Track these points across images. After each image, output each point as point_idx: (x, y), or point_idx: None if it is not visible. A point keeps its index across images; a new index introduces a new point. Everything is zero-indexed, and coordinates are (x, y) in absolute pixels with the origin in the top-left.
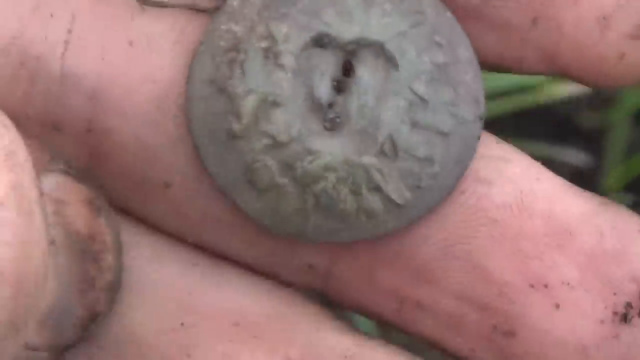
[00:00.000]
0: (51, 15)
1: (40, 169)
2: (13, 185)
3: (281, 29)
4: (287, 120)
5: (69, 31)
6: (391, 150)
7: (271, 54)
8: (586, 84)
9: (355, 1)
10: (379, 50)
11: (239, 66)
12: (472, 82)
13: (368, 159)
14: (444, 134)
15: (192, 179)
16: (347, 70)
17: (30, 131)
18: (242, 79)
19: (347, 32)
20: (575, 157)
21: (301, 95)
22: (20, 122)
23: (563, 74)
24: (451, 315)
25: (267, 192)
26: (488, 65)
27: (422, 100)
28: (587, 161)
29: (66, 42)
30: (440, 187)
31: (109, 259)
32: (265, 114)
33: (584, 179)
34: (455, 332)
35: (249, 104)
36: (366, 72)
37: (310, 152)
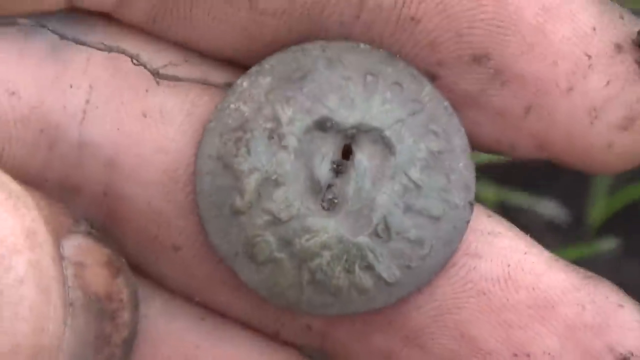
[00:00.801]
0: (70, 86)
1: (62, 232)
2: (32, 264)
3: (286, 112)
4: (288, 199)
5: (87, 101)
6: (384, 231)
7: (276, 135)
8: (576, 169)
9: (358, 88)
10: (378, 136)
11: (245, 145)
12: (464, 169)
13: (362, 239)
14: (435, 218)
15: (199, 244)
16: (347, 153)
17: (49, 193)
18: (247, 157)
19: (348, 117)
20: (554, 209)
21: (302, 176)
22: (40, 185)
23: (554, 160)
24: None
25: (265, 265)
26: (483, 149)
27: (416, 185)
28: (567, 213)
29: (84, 112)
30: (429, 267)
31: (125, 316)
32: (268, 192)
33: (560, 228)
34: None
35: (252, 182)
36: (364, 157)
37: (308, 230)
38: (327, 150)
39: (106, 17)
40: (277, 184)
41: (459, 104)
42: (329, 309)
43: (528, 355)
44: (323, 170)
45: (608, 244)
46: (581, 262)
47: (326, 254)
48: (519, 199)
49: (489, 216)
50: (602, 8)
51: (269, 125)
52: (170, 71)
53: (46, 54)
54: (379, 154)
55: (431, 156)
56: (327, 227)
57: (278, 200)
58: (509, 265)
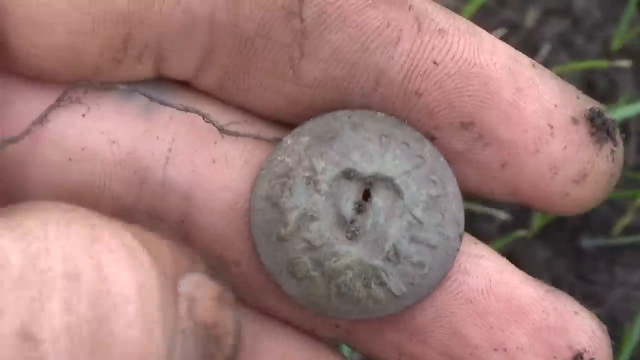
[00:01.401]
0: (157, 138)
1: (181, 271)
2: (140, 312)
3: (320, 164)
4: (321, 230)
5: (170, 150)
6: (394, 256)
7: (312, 182)
8: (543, 212)
9: (375, 147)
10: (390, 184)
11: (289, 188)
12: (456, 210)
13: (377, 262)
14: (433, 247)
15: (254, 262)
16: (366, 196)
17: (140, 221)
18: (290, 198)
19: (368, 169)
20: (505, 215)
21: (331, 213)
22: (133, 214)
23: (525, 205)
24: None
25: (303, 281)
26: (469, 193)
27: (419, 222)
28: (513, 216)
29: (167, 158)
30: (428, 284)
31: (229, 339)
32: (305, 225)
33: (512, 227)
34: None
35: (293, 217)
36: (380, 199)
37: (336, 254)
38: (351, 194)
39: (186, 86)
40: (312, 219)
41: (452, 159)
42: (351, 315)
43: (505, 350)
44: (348, 209)
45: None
46: (518, 256)
47: (349, 273)
48: (478, 208)
49: (476, 243)
50: (562, 89)
51: (307, 174)
52: (232, 128)
53: (139, 112)
54: (391, 197)
55: (431, 199)
56: (351, 253)
57: (313, 231)
58: (490, 281)
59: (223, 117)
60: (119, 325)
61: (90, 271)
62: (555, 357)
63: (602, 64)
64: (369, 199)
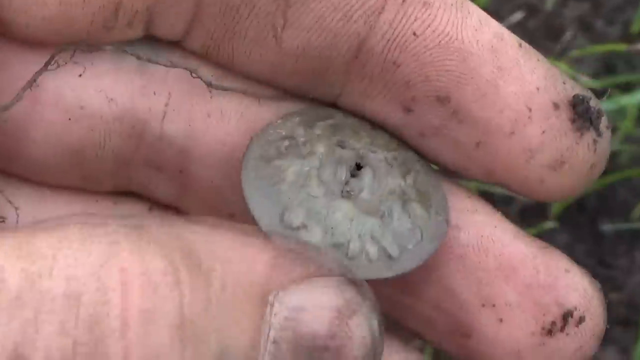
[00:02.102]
0: (154, 93)
1: (277, 281)
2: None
3: (315, 131)
4: (317, 185)
5: (166, 104)
6: (389, 217)
7: (308, 144)
8: (521, 195)
9: (365, 130)
10: (382, 156)
11: (284, 149)
12: (441, 190)
13: (372, 220)
14: (424, 218)
15: (248, 215)
16: (358, 167)
17: (140, 171)
18: (286, 157)
19: (357, 145)
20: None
21: (328, 172)
22: (133, 165)
23: (500, 186)
24: (427, 318)
25: (298, 231)
26: (445, 169)
27: (410, 192)
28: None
29: (164, 112)
30: (419, 253)
31: (352, 350)
32: (301, 178)
33: (531, 211)
34: (429, 329)
35: (290, 173)
36: (372, 168)
37: (332, 206)
38: (345, 160)
39: (176, 45)
40: (309, 175)
41: (426, 133)
42: (347, 273)
43: (493, 305)
44: (343, 171)
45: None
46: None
47: (346, 223)
48: (497, 190)
49: (469, 197)
50: (548, 72)
51: (302, 139)
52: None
53: (135, 69)
54: (383, 167)
55: (418, 177)
56: (347, 207)
57: (312, 184)
58: (481, 236)
59: (213, 72)
60: (115, 350)
61: (92, 292)
62: (544, 314)
63: (622, 47)
64: (361, 168)
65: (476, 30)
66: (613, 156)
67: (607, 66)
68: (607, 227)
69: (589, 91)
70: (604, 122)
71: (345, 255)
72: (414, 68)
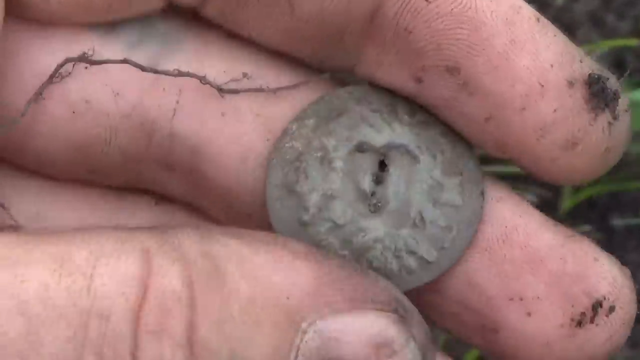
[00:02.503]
0: (163, 89)
1: (313, 309)
2: None
3: (331, 142)
4: (343, 208)
5: (177, 102)
6: (421, 222)
7: (325, 160)
8: (536, 176)
9: (382, 117)
10: (404, 150)
11: (303, 172)
12: (474, 167)
13: (405, 231)
14: (457, 207)
15: (265, 214)
16: (382, 167)
17: (150, 168)
18: (306, 180)
19: (379, 140)
20: (538, 192)
21: (350, 188)
22: (143, 162)
23: (515, 163)
24: (454, 314)
25: None
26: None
27: (439, 184)
28: (545, 195)
29: (174, 110)
30: (458, 246)
31: None
32: (326, 205)
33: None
34: (457, 325)
35: (313, 199)
36: (396, 168)
37: (362, 229)
38: (366, 167)
39: (195, 27)
40: (332, 197)
41: (437, 105)
42: None
43: (521, 299)
44: (366, 182)
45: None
46: None
47: (379, 246)
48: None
49: (493, 184)
50: (565, 49)
51: (319, 154)
52: (233, 85)
53: (145, 64)
54: (407, 164)
55: (446, 161)
56: (377, 225)
57: (335, 210)
58: (506, 227)
59: (227, 63)
60: None
61: (119, 312)
62: (572, 305)
63: (632, 42)
64: (385, 169)
65: (492, 0)
66: (624, 152)
67: (617, 61)
68: (617, 222)
69: (608, 71)
70: (621, 104)
71: (384, 276)
72: (425, 35)
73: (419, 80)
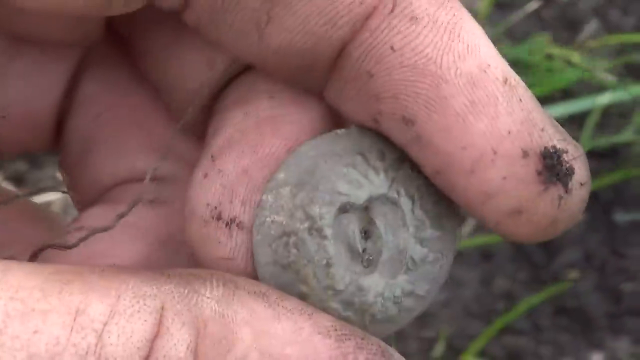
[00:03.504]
0: None
1: None
2: None
3: (315, 210)
4: (341, 273)
5: None
6: (413, 265)
7: (314, 231)
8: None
9: (357, 169)
10: (385, 198)
11: (294, 247)
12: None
13: (400, 277)
14: (440, 237)
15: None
16: (368, 221)
17: None
18: (299, 254)
19: (360, 195)
20: None
21: (343, 251)
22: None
23: None
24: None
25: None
26: None
27: (421, 222)
28: None
29: None
30: (446, 267)
31: None
32: (323, 274)
33: None
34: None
35: (310, 271)
36: (381, 218)
37: (361, 289)
38: (353, 226)
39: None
40: (328, 265)
41: (395, 144)
42: (388, 331)
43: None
44: (356, 241)
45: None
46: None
47: (379, 300)
48: None
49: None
50: (528, 117)
51: (306, 225)
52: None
53: None
54: (390, 211)
55: (423, 197)
56: (375, 280)
57: (334, 276)
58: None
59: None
60: None
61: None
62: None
63: (637, 37)
64: (371, 223)
65: (459, 57)
66: (627, 147)
67: (622, 56)
68: (620, 217)
69: (570, 144)
70: (576, 179)
71: (387, 322)
72: (385, 83)
73: (376, 122)
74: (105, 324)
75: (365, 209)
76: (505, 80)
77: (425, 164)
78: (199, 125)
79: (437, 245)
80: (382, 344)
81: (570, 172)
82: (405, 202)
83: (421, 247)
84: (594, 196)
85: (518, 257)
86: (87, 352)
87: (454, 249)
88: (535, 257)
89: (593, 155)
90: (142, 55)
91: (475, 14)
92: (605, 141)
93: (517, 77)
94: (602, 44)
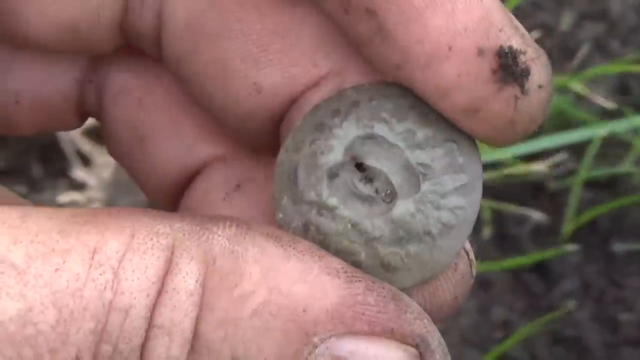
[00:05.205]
0: None
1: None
2: None
3: (311, 195)
4: (368, 224)
5: None
6: (425, 168)
7: (323, 210)
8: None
9: (321, 141)
10: (358, 140)
11: (317, 232)
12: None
13: (424, 187)
14: (437, 133)
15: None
16: (359, 167)
17: (130, 28)
18: (324, 238)
19: (334, 157)
20: (539, 215)
21: (359, 206)
22: (124, 25)
23: None
24: None
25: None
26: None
27: (407, 130)
28: (547, 218)
29: None
30: (465, 155)
31: None
32: (357, 235)
33: (543, 230)
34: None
35: (344, 242)
36: (368, 156)
37: (396, 220)
38: (349, 180)
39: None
40: (354, 225)
41: (360, 42)
42: (448, 256)
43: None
44: (362, 189)
45: (572, 248)
46: (553, 261)
47: (419, 217)
48: (511, 209)
49: None
50: (486, 16)
51: (313, 211)
52: None
53: None
54: (371, 144)
55: (393, 115)
56: (403, 205)
57: (366, 230)
58: None
59: None
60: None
61: (139, 308)
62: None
63: (637, 68)
64: (362, 166)
65: None
66: (625, 177)
67: (622, 87)
68: (618, 247)
69: (531, 47)
70: (533, 81)
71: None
72: None
73: (346, 12)
74: (120, 261)
75: (350, 160)
76: None
77: (386, 59)
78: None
79: (437, 138)
80: (394, 288)
81: (526, 72)
82: (379, 128)
83: (421, 150)
84: (591, 226)
85: (516, 286)
86: (105, 288)
87: (461, 135)
88: (533, 287)
89: (591, 185)
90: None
91: None
92: (604, 171)
93: None
94: (601, 72)
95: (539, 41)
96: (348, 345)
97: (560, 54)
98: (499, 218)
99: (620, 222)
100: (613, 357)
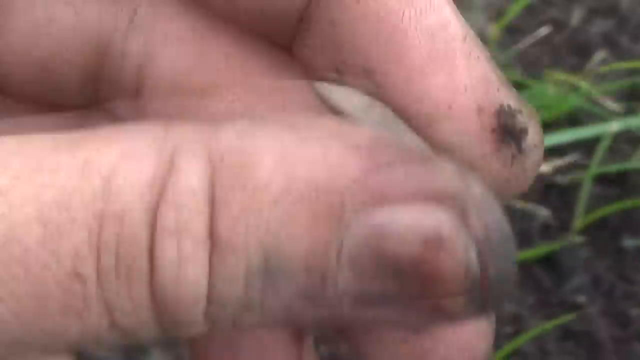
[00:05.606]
0: (121, 10)
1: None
2: None
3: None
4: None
5: (130, 22)
6: None
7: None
8: None
9: None
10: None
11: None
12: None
13: None
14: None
15: None
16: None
17: (105, 87)
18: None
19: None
20: (549, 211)
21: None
22: (99, 81)
23: None
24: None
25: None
26: None
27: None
28: (557, 214)
29: (127, 29)
30: None
31: None
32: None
33: (553, 226)
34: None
35: None
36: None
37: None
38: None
39: None
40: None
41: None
42: None
43: None
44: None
45: (580, 240)
46: (559, 256)
47: None
48: (520, 205)
49: None
50: (484, 74)
51: None
52: None
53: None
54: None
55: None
56: None
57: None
58: None
59: None
60: (143, 265)
61: (136, 211)
62: None
63: None
64: None
65: (421, 12)
66: (636, 173)
67: (631, 83)
68: (629, 242)
69: (525, 107)
70: (530, 141)
71: None
72: (347, 32)
73: (340, 72)
74: (113, 169)
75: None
76: (464, 38)
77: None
78: None
79: None
80: (422, 149)
81: (524, 132)
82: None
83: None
84: (602, 222)
85: (527, 282)
86: (94, 196)
87: None
88: (544, 282)
89: (602, 181)
90: None
91: (486, 39)
92: (614, 167)
93: (476, 38)
94: (611, 69)
95: (549, 37)
96: (382, 215)
97: (571, 49)
98: (508, 214)
99: (631, 218)
100: (623, 352)
